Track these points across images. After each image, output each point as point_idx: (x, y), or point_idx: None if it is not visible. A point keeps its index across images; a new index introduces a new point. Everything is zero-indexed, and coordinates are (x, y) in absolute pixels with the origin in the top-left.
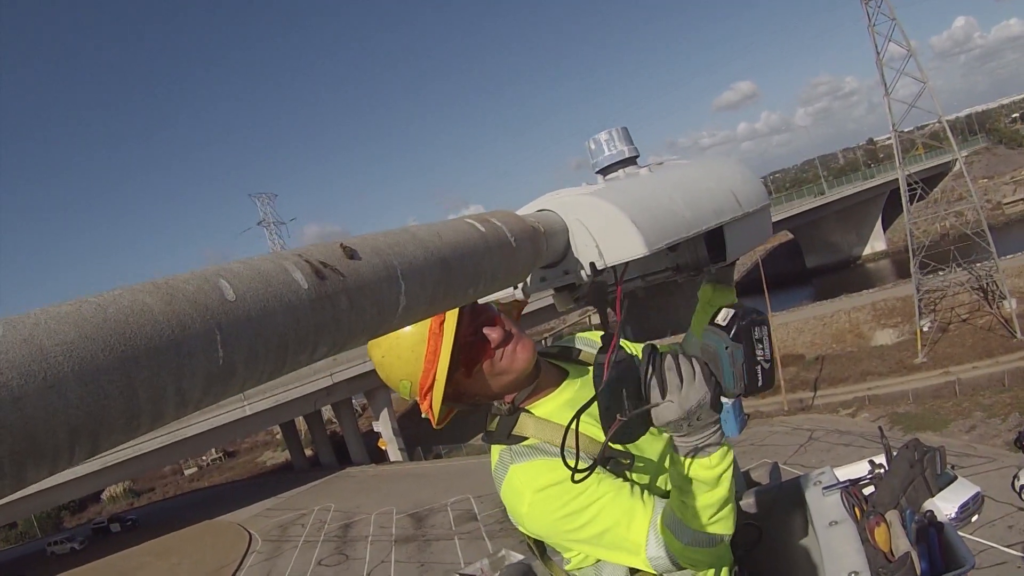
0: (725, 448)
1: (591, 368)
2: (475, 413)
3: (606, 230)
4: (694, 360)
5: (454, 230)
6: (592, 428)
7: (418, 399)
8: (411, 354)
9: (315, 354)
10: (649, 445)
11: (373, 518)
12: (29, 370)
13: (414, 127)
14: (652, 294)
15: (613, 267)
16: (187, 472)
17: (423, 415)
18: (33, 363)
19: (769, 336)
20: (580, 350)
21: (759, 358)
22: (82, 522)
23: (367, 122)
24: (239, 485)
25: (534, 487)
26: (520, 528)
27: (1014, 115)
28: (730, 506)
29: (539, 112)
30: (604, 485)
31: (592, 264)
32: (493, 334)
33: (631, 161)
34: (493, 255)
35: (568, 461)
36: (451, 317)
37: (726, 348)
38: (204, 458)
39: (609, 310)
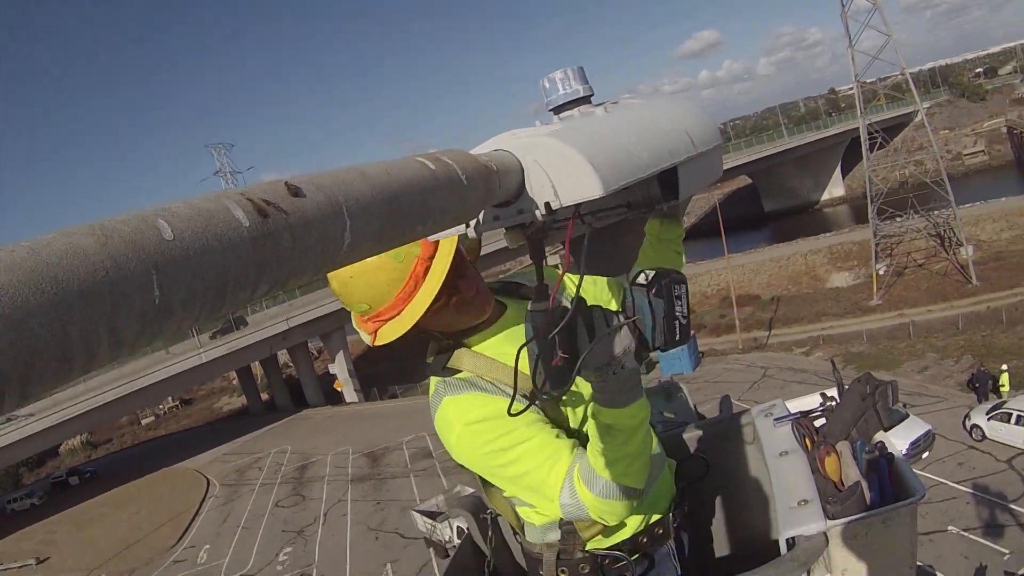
0: (643, 400)
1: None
2: (411, 353)
3: (561, 170)
4: (620, 313)
5: (403, 167)
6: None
7: (365, 320)
8: (386, 287)
9: (256, 292)
10: (581, 385)
11: (329, 459)
12: None
13: (373, 75)
14: (606, 231)
15: (567, 206)
16: (144, 422)
17: (363, 331)
18: None
19: (687, 294)
20: (523, 285)
21: (678, 314)
22: (41, 477)
23: (327, 71)
24: (196, 432)
25: (464, 420)
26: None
27: (977, 70)
28: (644, 459)
29: (500, 60)
30: (533, 428)
31: (547, 204)
32: (468, 291)
33: (586, 100)
34: (443, 193)
35: (503, 397)
36: (438, 271)
37: (649, 304)
38: (161, 407)
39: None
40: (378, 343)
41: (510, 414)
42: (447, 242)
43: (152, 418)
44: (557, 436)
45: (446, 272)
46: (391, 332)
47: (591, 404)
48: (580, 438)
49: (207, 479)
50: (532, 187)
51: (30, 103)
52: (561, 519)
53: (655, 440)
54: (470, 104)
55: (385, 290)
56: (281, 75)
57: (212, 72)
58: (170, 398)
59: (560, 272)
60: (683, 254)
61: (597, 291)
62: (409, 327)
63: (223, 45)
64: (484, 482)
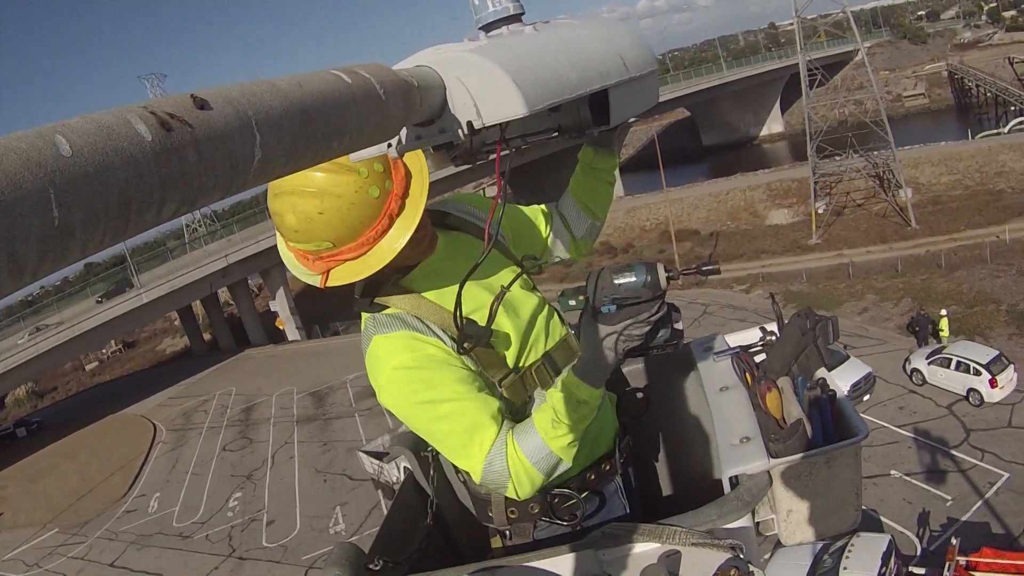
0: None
1: (458, 235)
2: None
3: (485, 88)
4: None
5: (317, 80)
6: (448, 301)
7: (316, 259)
8: (356, 224)
9: (162, 212)
10: (506, 321)
11: (274, 399)
12: None
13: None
14: (546, 164)
15: (491, 126)
16: (88, 367)
17: (307, 271)
18: None
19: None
20: (450, 214)
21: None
22: None
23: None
24: (141, 376)
25: (392, 363)
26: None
27: (920, 12)
28: (580, 440)
29: None
30: (462, 386)
31: (469, 123)
32: (424, 228)
33: (516, 18)
34: (360, 108)
35: (434, 339)
36: (413, 210)
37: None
38: (104, 351)
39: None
40: (330, 285)
41: (459, 351)
42: (420, 177)
43: (96, 363)
44: (485, 399)
45: (421, 211)
46: (349, 274)
47: (565, 378)
48: (510, 381)
49: (154, 424)
50: (455, 105)
51: None
52: None
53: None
54: (409, 29)
55: (356, 228)
56: (214, 6)
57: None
58: (113, 342)
59: (492, 200)
60: (614, 184)
61: (526, 217)
62: (374, 271)
63: None
64: None
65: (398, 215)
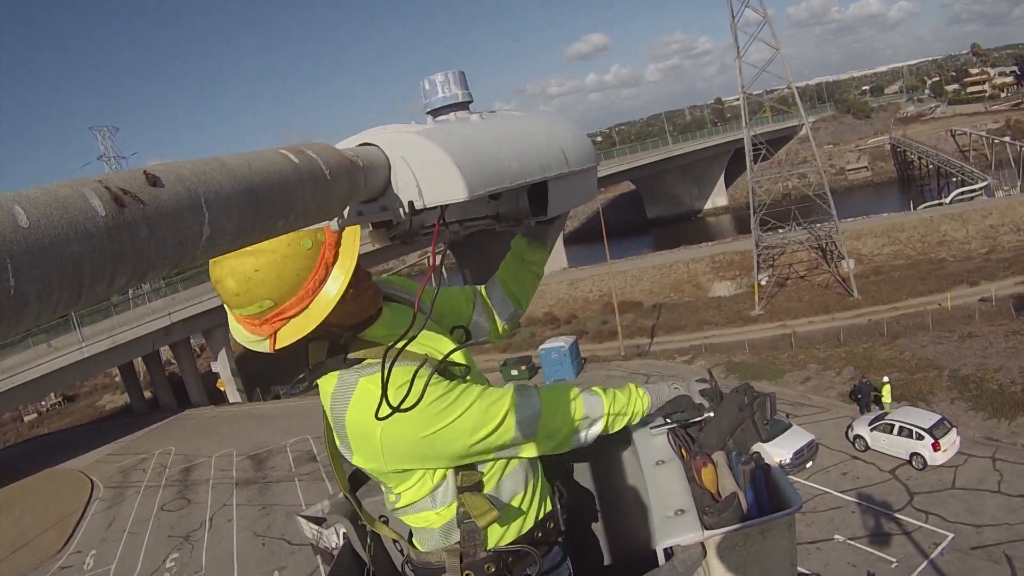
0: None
1: (398, 306)
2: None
3: (428, 170)
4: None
5: (265, 160)
6: (423, 347)
7: (262, 321)
8: (293, 277)
9: (113, 285)
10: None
11: (214, 461)
12: None
13: (257, 65)
14: (493, 238)
15: (432, 208)
16: (27, 419)
17: (255, 336)
18: None
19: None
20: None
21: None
22: None
23: (211, 55)
24: (79, 430)
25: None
26: (363, 456)
27: (864, 87)
28: (597, 431)
29: (384, 52)
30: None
31: (411, 203)
32: (366, 279)
33: (464, 106)
34: (306, 187)
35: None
36: (348, 256)
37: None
38: (43, 403)
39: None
40: (279, 346)
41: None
42: (352, 227)
43: (35, 415)
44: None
45: (355, 255)
46: (295, 331)
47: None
48: None
49: (92, 480)
50: (398, 184)
51: None
52: (459, 517)
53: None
54: (357, 95)
55: (294, 281)
56: (167, 61)
57: (98, 53)
58: (52, 394)
59: (422, 283)
60: (542, 277)
61: (452, 298)
62: (319, 322)
63: (112, 27)
64: (357, 500)
65: (334, 263)
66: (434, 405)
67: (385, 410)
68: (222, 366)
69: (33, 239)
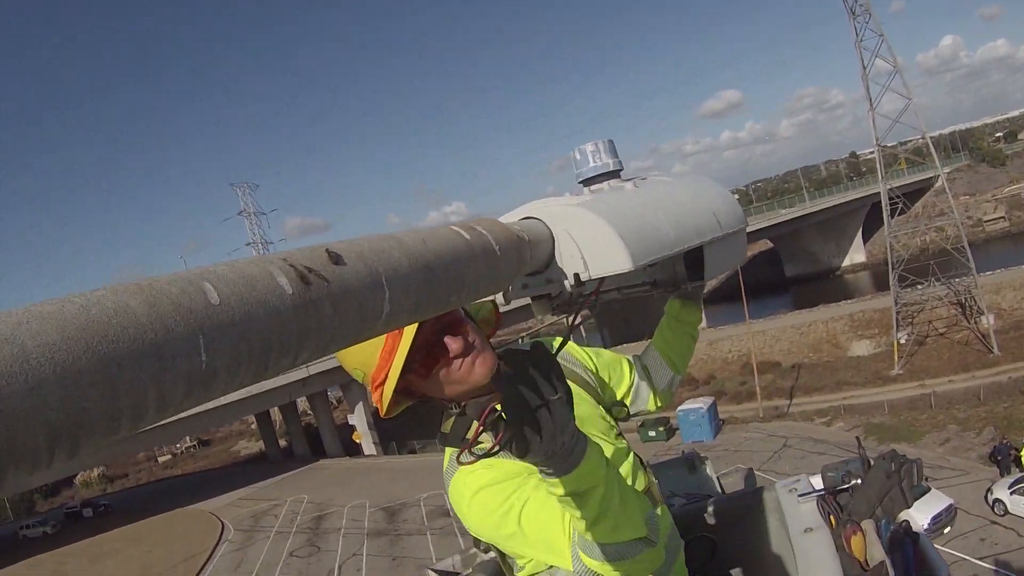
0: (592, 445)
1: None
2: (431, 408)
3: (593, 242)
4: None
5: (440, 237)
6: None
7: (370, 388)
8: (369, 347)
9: (298, 359)
10: None
11: (346, 511)
12: (10, 371)
13: (398, 123)
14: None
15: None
16: (161, 459)
17: (373, 399)
18: (14, 364)
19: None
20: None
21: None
22: (54, 506)
23: (351, 115)
24: (212, 474)
25: (475, 487)
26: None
27: (997, 134)
28: (632, 504)
29: (524, 112)
30: (538, 490)
31: (576, 275)
32: (453, 344)
33: (615, 174)
34: (478, 263)
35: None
36: (409, 327)
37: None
38: (178, 446)
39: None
40: (384, 414)
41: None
42: None
43: (169, 456)
44: (556, 503)
45: (416, 323)
46: (387, 394)
47: (542, 482)
48: None
49: (222, 522)
50: (562, 257)
51: (55, 141)
52: None
53: (667, 516)
54: (494, 157)
55: (369, 349)
56: (308, 119)
57: (240, 111)
58: (188, 438)
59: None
60: (696, 339)
61: (599, 362)
62: (392, 391)
63: (255, 86)
64: (503, 555)
65: (401, 333)
66: (506, 503)
67: (467, 500)
68: (359, 419)
69: (224, 316)
